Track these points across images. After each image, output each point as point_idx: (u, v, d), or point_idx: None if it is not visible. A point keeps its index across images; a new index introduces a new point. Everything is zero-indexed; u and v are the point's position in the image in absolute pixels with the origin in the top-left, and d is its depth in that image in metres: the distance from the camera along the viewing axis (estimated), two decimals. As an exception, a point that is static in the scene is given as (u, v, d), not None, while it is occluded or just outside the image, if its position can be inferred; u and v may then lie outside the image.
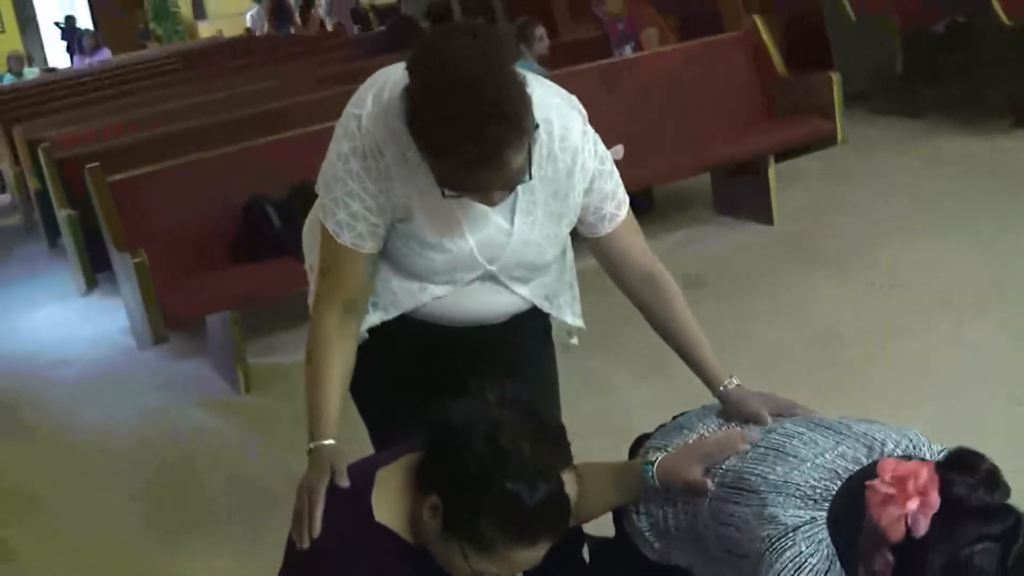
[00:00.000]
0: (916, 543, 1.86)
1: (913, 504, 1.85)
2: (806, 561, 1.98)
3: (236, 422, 4.53)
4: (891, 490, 1.87)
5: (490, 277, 2.32)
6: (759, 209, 5.94)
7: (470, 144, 1.94)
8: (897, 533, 1.87)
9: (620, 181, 2.39)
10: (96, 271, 6.15)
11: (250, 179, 5.03)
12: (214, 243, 4.96)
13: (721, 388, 2.39)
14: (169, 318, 4.61)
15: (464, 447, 1.90)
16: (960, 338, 4.38)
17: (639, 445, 2.48)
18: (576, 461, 2.50)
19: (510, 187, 2.09)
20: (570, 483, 2.27)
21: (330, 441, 2.14)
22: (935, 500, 1.85)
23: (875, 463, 2.02)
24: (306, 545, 1.99)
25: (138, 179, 4.93)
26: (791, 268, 5.31)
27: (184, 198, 4.92)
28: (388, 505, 2.02)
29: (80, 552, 3.68)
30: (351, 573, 1.97)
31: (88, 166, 4.94)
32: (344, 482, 2.05)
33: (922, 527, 1.85)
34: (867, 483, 1.92)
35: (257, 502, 3.76)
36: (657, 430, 2.48)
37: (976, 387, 3.95)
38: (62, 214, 6.21)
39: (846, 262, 5.27)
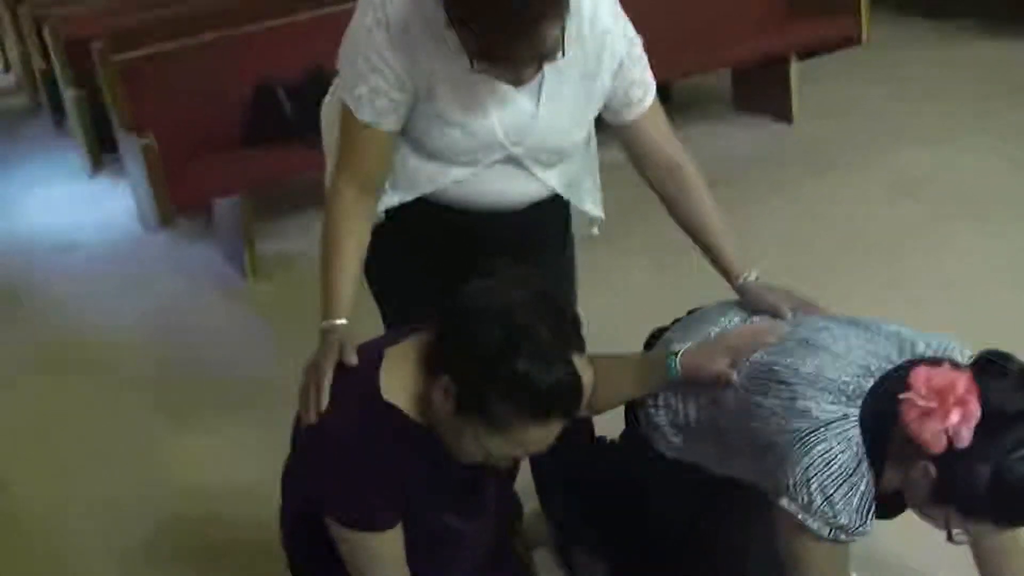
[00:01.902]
0: (958, 454, 1.87)
1: (955, 417, 1.85)
2: (836, 457, 1.98)
3: (242, 309, 4.52)
4: (930, 403, 1.87)
5: (513, 160, 2.29)
6: (779, 107, 5.86)
7: (507, 10, 1.91)
8: (939, 446, 1.87)
9: (648, 67, 2.35)
10: (103, 152, 6.10)
11: (264, 62, 4.93)
12: (224, 126, 4.88)
13: (740, 280, 2.37)
14: (176, 201, 4.58)
15: (477, 327, 1.88)
16: (981, 243, 4.35)
17: (655, 339, 2.47)
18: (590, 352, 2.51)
19: (540, 64, 2.05)
20: (585, 373, 2.26)
21: (343, 321, 2.14)
22: (976, 410, 1.85)
23: (908, 365, 2.01)
24: (313, 420, 2.00)
25: (147, 59, 4.84)
26: (809, 168, 5.26)
27: (194, 80, 4.82)
28: (396, 384, 2.01)
29: (89, 435, 3.69)
30: (356, 452, 1.97)
31: (95, 45, 4.85)
32: (353, 359, 2.04)
33: (965, 438, 1.85)
34: (901, 396, 1.91)
35: (262, 389, 3.77)
36: (673, 323, 2.45)
37: (999, 289, 3.93)
38: (68, 94, 6.14)
39: (865, 163, 5.22)
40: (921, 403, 1.87)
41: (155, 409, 3.81)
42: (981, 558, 2.33)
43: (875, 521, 2.02)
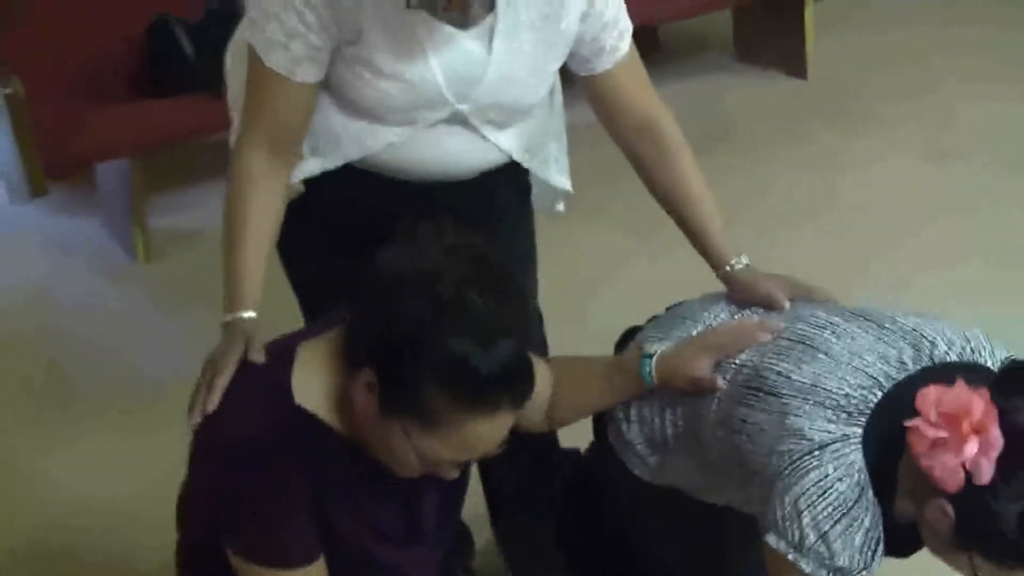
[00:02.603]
0: (980, 490, 1.87)
1: (972, 447, 1.85)
2: (832, 486, 2.00)
3: (130, 294, 4.52)
4: (941, 433, 1.87)
5: (459, 120, 2.31)
6: (790, 57, 5.91)
7: None
8: (955, 483, 1.88)
9: (624, 7, 2.38)
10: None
11: (158, -5, 4.93)
12: (110, 73, 4.87)
13: (727, 268, 2.40)
14: (50, 166, 4.56)
15: (398, 302, 1.87)
16: (1010, 213, 4.46)
17: (627, 339, 2.50)
18: (553, 354, 2.54)
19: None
20: (543, 379, 2.30)
21: (250, 314, 2.14)
22: (997, 438, 1.85)
23: (922, 375, 2.04)
24: (195, 421, 2.00)
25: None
26: (824, 126, 5.36)
27: (73, 16, 4.80)
28: (312, 385, 2.01)
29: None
30: (262, 469, 1.95)
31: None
32: (259, 357, 2.04)
33: (986, 473, 1.86)
34: (907, 424, 1.92)
35: (153, 389, 3.81)
36: (650, 321, 2.49)
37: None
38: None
39: (888, 122, 5.30)
40: (931, 432, 1.87)
41: (22, 416, 3.82)
42: None
43: (882, 560, 2.05)
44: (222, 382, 2.01)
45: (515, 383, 1.90)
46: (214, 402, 2.00)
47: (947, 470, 1.87)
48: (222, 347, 2.07)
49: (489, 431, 1.92)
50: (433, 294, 1.84)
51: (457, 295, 1.84)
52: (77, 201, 5.19)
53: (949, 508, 1.92)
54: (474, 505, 2.82)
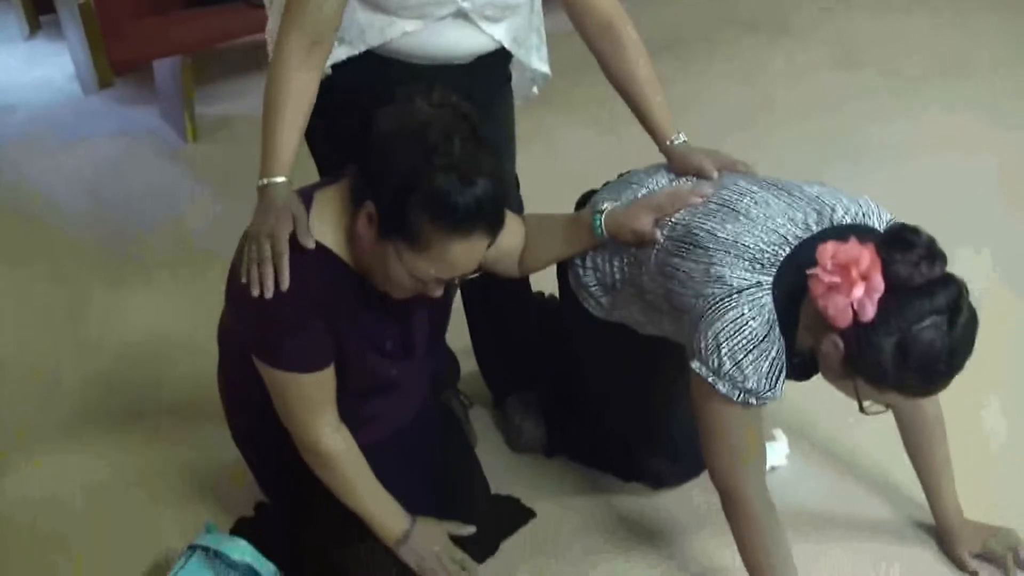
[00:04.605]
0: (864, 326, 1.91)
1: (858, 291, 1.89)
2: (747, 323, 2.03)
3: (182, 170, 4.52)
4: (835, 278, 1.90)
5: (461, 14, 2.31)
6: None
7: None
8: (844, 320, 1.91)
9: None
10: (39, 14, 6.00)
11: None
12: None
13: (668, 143, 2.41)
14: (115, 63, 4.53)
15: (394, 147, 1.91)
16: (917, 111, 4.46)
17: (586, 200, 2.52)
18: (525, 213, 2.56)
19: None
20: (516, 232, 2.33)
21: (283, 179, 2.11)
22: (879, 283, 1.88)
23: (822, 235, 2.06)
24: (269, 294, 1.97)
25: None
26: (752, 35, 5.29)
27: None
28: (325, 224, 2.04)
29: (26, 297, 3.71)
30: (286, 293, 1.97)
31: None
32: (310, 242, 2.01)
33: (869, 312, 1.89)
34: (808, 272, 1.95)
35: (202, 246, 3.83)
36: (604, 186, 2.50)
37: (940, 152, 4.04)
38: (1, -49, 6.00)
39: (813, 28, 5.25)
40: (827, 278, 1.91)
41: (93, 268, 3.84)
42: (903, 428, 2.42)
43: (784, 386, 2.08)
44: (287, 260, 1.98)
45: (488, 214, 1.94)
46: (286, 280, 1.97)
47: (838, 309, 1.91)
48: (268, 218, 2.04)
49: (466, 252, 1.96)
50: (424, 139, 1.89)
51: (443, 140, 1.89)
52: (138, 93, 5.17)
53: (839, 341, 1.95)
54: (462, 339, 2.88)
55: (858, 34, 5.20)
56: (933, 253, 1.90)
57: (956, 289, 1.92)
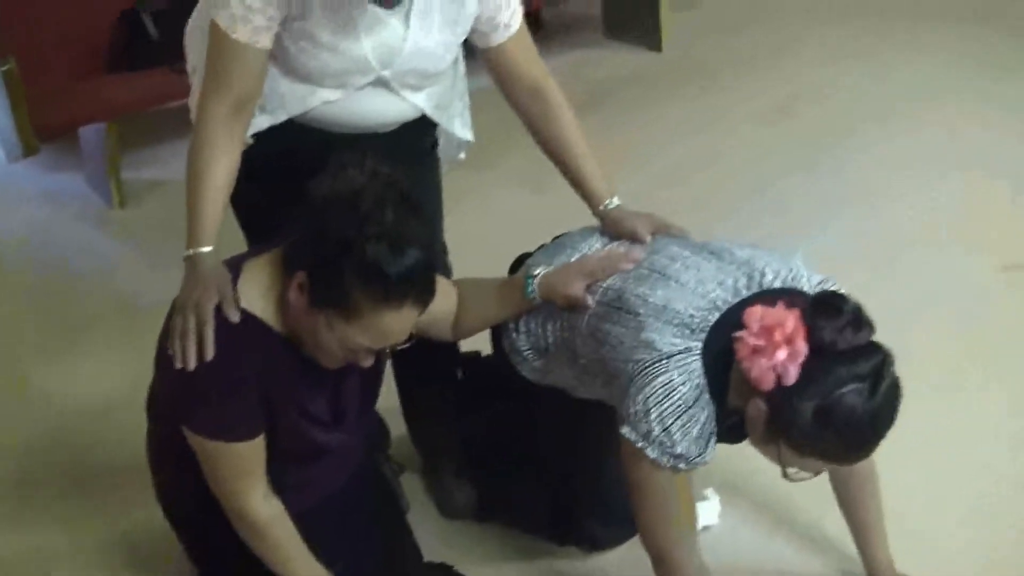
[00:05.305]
0: (787, 390, 1.91)
1: (782, 354, 1.89)
2: (676, 389, 2.03)
3: (111, 235, 4.46)
4: (759, 341, 1.91)
5: (382, 83, 2.31)
6: (648, 34, 5.87)
7: None
8: (767, 383, 1.92)
9: None
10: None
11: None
12: (89, 53, 4.77)
13: (601, 207, 2.42)
14: (40, 130, 4.47)
15: (326, 216, 1.90)
16: (846, 163, 4.50)
17: (520, 263, 2.51)
18: (457, 277, 2.55)
19: None
20: (448, 296, 2.33)
21: (208, 248, 2.11)
22: (802, 348, 1.89)
23: (752, 299, 2.06)
24: (191, 366, 1.97)
25: (6, -19, 4.70)
26: (678, 93, 5.33)
27: (57, 3, 4.71)
28: (255, 293, 2.03)
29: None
30: (216, 362, 1.97)
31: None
32: (233, 315, 2.00)
33: (792, 376, 1.90)
34: (735, 335, 1.96)
35: (132, 315, 3.78)
36: (538, 249, 2.50)
37: (868, 203, 4.09)
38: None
39: (737, 86, 5.31)
40: (752, 341, 1.92)
41: (24, 338, 3.78)
42: (836, 482, 2.43)
43: (716, 449, 2.09)
44: (210, 332, 1.98)
45: (419, 284, 1.94)
46: (210, 351, 1.97)
47: (762, 371, 1.92)
48: (194, 290, 2.03)
49: (398, 322, 1.95)
50: (355, 208, 1.88)
51: (375, 209, 1.88)
52: (63, 159, 5.09)
53: (763, 404, 1.96)
54: (393, 401, 2.84)
55: (791, 85, 5.26)
56: (859, 320, 1.91)
57: (880, 357, 1.93)
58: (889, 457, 2.17)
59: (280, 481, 2.19)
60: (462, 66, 2.56)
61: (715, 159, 4.64)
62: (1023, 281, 3.66)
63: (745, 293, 2.11)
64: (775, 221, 4.01)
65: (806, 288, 2.14)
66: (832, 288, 2.12)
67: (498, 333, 2.45)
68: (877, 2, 6.10)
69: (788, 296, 2.03)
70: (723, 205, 4.19)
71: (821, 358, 1.90)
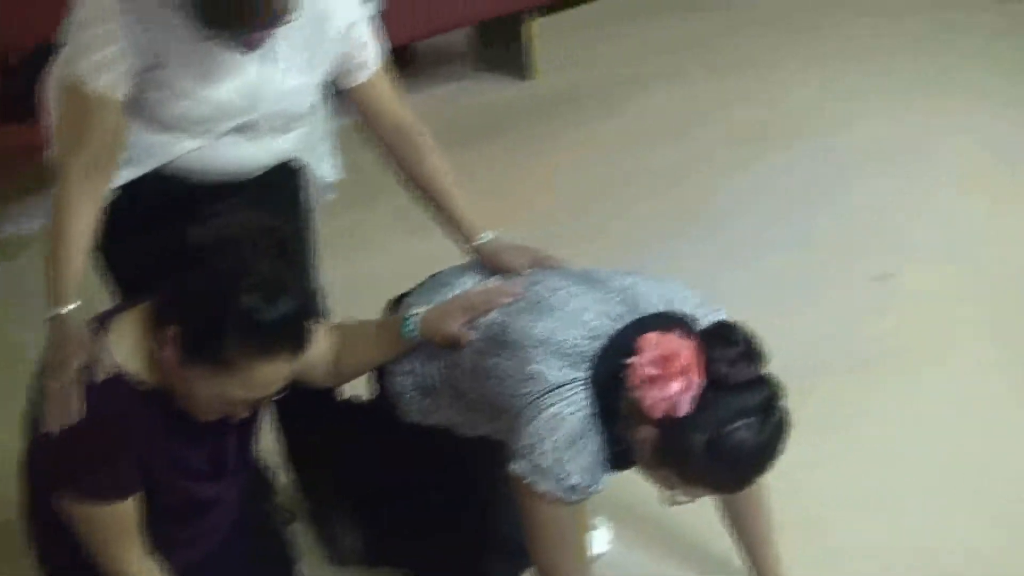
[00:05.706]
0: (678, 420, 1.91)
1: (676, 386, 1.89)
2: (565, 420, 2.02)
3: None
4: (654, 371, 1.91)
5: (247, 128, 2.28)
6: (517, 64, 5.89)
7: None
8: (659, 412, 1.91)
9: (377, 30, 2.38)
10: None
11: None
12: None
13: (475, 242, 2.40)
14: None
15: (198, 266, 1.86)
16: (728, 181, 4.55)
17: (398, 303, 2.48)
18: (336, 320, 2.51)
19: (275, 24, 2.04)
20: (327, 341, 2.28)
21: (71, 306, 2.06)
22: (697, 381, 1.89)
23: (637, 325, 2.06)
24: (57, 430, 1.91)
25: None
26: (547, 123, 5.34)
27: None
28: (124, 349, 1.97)
29: None
30: (86, 422, 1.92)
31: None
32: (100, 375, 1.95)
33: (685, 406, 1.90)
34: (627, 361, 1.95)
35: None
36: (415, 288, 2.47)
37: (748, 218, 4.13)
38: None
39: (608, 114, 5.33)
40: (646, 370, 1.91)
41: None
42: (724, 506, 2.42)
43: (608, 478, 2.08)
44: (79, 393, 1.92)
45: (294, 333, 1.90)
46: (77, 413, 1.92)
47: (655, 400, 1.91)
48: (61, 350, 1.98)
49: (272, 373, 1.91)
50: (229, 259, 1.83)
51: (249, 260, 1.84)
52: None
53: (654, 433, 1.95)
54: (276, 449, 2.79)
55: (697, 101, 5.31)
56: (751, 352, 1.92)
57: (770, 391, 1.94)
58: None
59: (164, 536, 2.12)
60: (329, 106, 2.53)
61: (603, 186, 4.66)
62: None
63: (627, 320, 2.10)
64: (667, 245, 4.03)
65: (689, 311, 2.14)
66: (718, 314, 2.13)
67: (381, 375, 2.41)
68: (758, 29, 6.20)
69: (679, 323, 2.03)
70: (643, 220, 4.21)
71: (714, 390, 1.90)
